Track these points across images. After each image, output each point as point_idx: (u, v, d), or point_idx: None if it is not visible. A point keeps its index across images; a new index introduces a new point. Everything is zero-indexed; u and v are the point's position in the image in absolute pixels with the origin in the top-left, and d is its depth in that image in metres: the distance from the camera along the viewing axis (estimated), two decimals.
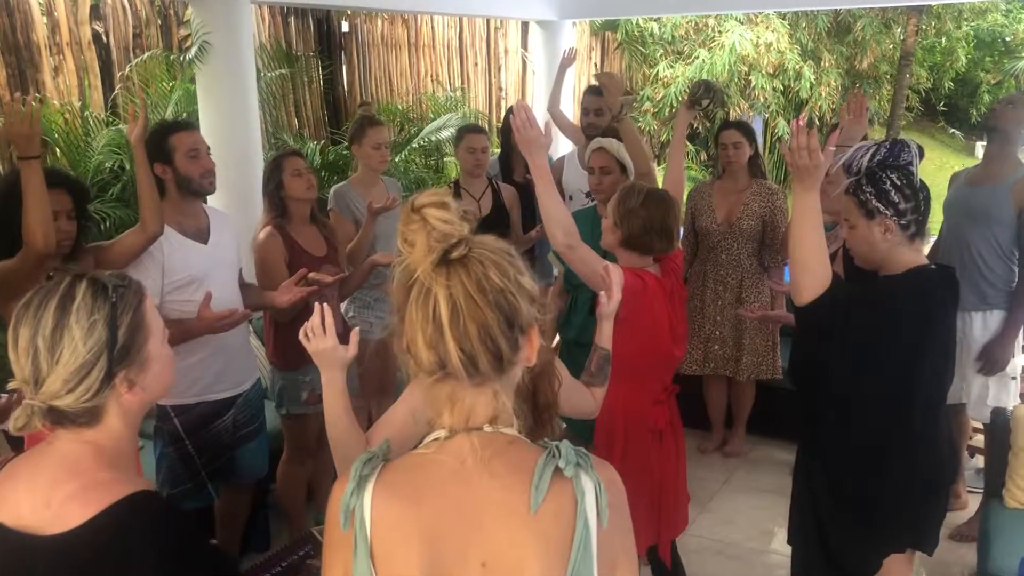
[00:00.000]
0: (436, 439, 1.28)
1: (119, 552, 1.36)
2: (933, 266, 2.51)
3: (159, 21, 6.55)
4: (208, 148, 3.11)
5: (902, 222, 2.41)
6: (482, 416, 1.26)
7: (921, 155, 2.62)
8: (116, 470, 1.43)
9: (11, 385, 1.46)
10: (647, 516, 2.90)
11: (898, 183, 2.42)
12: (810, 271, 2.34)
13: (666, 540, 3.06)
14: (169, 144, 3.01)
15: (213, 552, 1.64)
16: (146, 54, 6.16)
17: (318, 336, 1.89)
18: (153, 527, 1.41)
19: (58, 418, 1.43)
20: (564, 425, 3.43)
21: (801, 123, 2.27)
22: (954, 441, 3.11)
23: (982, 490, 3.69)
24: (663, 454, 2.96)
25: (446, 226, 1.27)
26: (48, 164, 2.62)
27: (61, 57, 5.89)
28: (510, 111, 5.11)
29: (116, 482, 1.40)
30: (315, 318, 1.89)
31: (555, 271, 4.35)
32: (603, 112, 4.69)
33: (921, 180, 2.51)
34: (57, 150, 5.39)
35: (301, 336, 1.91)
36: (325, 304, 1.92)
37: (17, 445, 2.79)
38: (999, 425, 3.49)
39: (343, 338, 1.92)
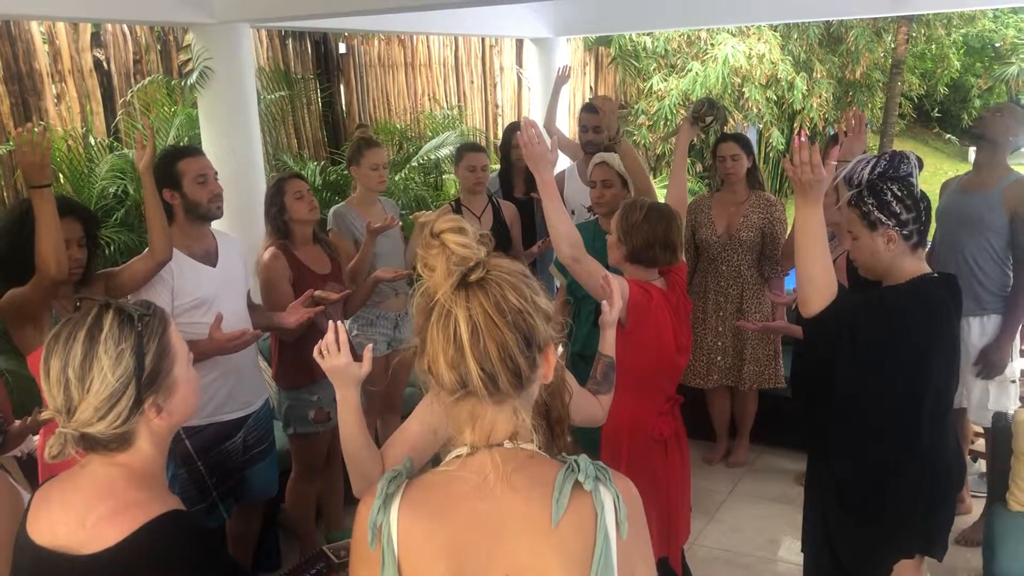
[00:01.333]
0: (458, 456, 1.31)
1: (154, 569, 1.41)
2: (936, 274, 2.54)
3: (159, 47, 6.60)
4: (216, 173, 3.15)
5: (904, 232, 2.45)
6: (502, 433, 1.30)
7: (920, 166, 2.67)
8: (148, 490, 1.48)
9: (44, 415, 1.51)
10: (656, 527, 2.93)
11: (899, 194, 2.47)
12: (816, 283, 2.38)
13: (676, 550, 3.09)
14: (177, 170, 3.05)
15: (238, 569, 1.68)
16: (146, 80, 6.21)
17: (332, 353, 1.90)
18: (185, 544, 1.46)
19: (91, 444, 1.47)
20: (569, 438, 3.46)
21: (803, 139, 2.31)
22: (960, 447, 3.14)
23: (986, 494, 3.72)
24: (668, 464, 2.99)
25: (464, 250, 1.30)
26: (53, 191, 2.68)
27: (63, 84, 5.94)
28: (510, 128, 5.19)
29: (149, 502, 1.45)
30: (329, 335, 1.91)
31: (556, 284, 4.39)
32: (601, 129, 4.75)
33: (921, 190, 2.56)
34: (61, 176, 5.43)
35: (315, 354, 1.92)
36: (339, 322, 1.95)
37: (29, 471, 2.82)
38: (1001, 429, 3.51)
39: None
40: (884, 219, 2.45)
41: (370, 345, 1.99)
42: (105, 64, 6.31)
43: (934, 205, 2.70)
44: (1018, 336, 3.86)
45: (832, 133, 4.43)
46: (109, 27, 6.25)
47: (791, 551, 3.82)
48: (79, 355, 1.43)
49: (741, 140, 4.69)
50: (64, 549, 1.43)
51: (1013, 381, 3.86)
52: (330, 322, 1.94)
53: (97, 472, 1.48)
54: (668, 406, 3.01)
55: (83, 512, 1.44)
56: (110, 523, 1.42)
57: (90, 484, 1.48)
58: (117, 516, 1.42)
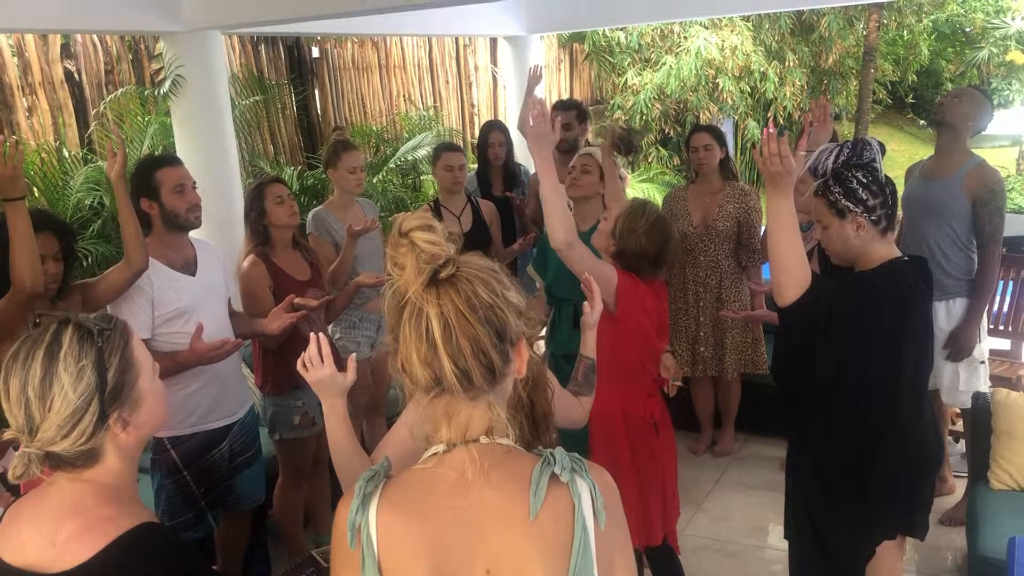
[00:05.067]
0: (435, 453, 1.32)
1: None
2: (906, 258, 2.58)
3: (130, 57, 6.57)
4: (194, 183, 3.14)
5: (872, 217, 2.48)
6: (478, 428, 1.31)
7: (883, 151, 2.70)
8: (118, 505, 1.46)
9: (6, 435, 1.49)
10: (660, 508, 3.01)
11: (864, 180, 2.49)
12: (790, 272, 2.41)
13: (673, 529, 3.15)
14: (155, 180, 3.03)
15: None
16: (119, 90, 6.18)
17: (316, 365, 1.90)
18: (157, 559, 1.44)
19: (56, 462, 1.45)
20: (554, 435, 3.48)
21: (771, 130, 2.34)
22: (938, 427, 3.18)
23: (967, 474, 3.76)
24: (663, 445, 3.05)
25: (434, 247, 1.32)
26: (27, 204, 2.66)
27: (34, 97, 5.91)
28: (487, 126, 5.20)
29: (119, 516, 1.43)
30: (312, 348, 1.90)
31: (536, 284, 4.39)
32: (572, 127, 4.84)
33: (886, 175, 2.59)
34: (35, 190, 5.38)
35: (299, 366, 1.92)
36: (321, 334, 1.94)
37: (13, 486, 2.80)
38: (981, 409, 3.56)
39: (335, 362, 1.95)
40: (852, 206, 2.48)
41: (354, 354, 2.00)
42: (76, 75, 6.28)
43: (900, 191, 2.73)
44: (985, 317, 3.90)
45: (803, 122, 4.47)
46: (79, 38, 6.22)
47: (778, 538, 3.84)
48: (38, 373, 1.41)
49: (713, 131, 4.71)
50: (35, 568, 1.41)
51: (982, 362, 3.89)
52: (312, 334, 1.93)
53: (65, 489, 1.46)
54: (655, 387, 3.07)
55: (52, 530, 1.42)
56: (80, 540, 1.40)
57: (58, 501, 1.45)
58: (87, 532, 1.40)
